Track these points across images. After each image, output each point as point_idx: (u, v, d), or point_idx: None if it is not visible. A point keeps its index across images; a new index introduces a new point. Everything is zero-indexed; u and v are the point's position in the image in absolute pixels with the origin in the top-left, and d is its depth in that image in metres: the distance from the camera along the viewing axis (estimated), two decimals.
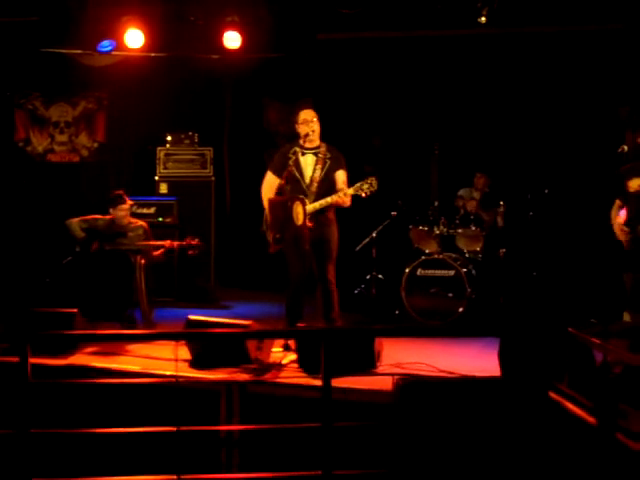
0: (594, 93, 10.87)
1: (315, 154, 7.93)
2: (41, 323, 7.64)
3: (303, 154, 7.95)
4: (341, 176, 7.87)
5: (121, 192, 9.26)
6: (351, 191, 7.63)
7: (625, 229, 7.32)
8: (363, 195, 7.60)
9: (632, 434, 4.13)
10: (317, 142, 7.97)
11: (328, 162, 7.88)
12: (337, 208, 7.90)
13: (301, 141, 7.95)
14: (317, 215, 7.76)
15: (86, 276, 8.88)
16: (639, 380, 5.29)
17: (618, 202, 7.48)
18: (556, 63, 11.08)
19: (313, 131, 7.91)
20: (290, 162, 7.88)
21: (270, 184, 8.01)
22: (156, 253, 8.98)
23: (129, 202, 9.23)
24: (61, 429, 5.53)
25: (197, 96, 12.31)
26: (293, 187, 7.89)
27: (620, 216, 7.44)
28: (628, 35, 10.45)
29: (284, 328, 7.94)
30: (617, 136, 9.88)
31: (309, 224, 7.70)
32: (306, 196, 7.77)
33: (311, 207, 7.72)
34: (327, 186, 7.82)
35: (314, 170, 7.87)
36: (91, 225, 9.13)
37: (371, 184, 7.55)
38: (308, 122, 7.90)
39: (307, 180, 7.87)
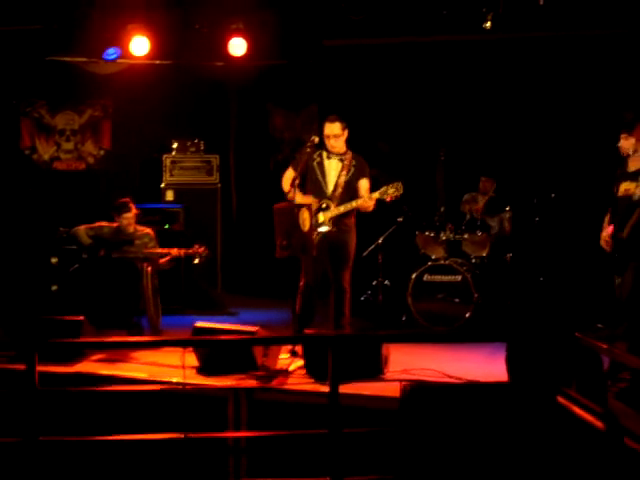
0: (599, 98, 10.86)
1: (341, 160, 7.98)
2: (48, 331, 7.64)
3: (329, 157, 8.00)
4: (364, 184, 7.92)
5: (127, 200, 9.23)
6: (377, 195, 7.69)
7: (609, 240, 7.34)
8: (388, 199, 7.65)
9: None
10: (343, 149, 8.02)
11: (353, 169, 7.93)
12: (358, 215, 7.96)
13: (328, 146, 8.00)
14: (339, 220, 7.82)
15: (93, 284, 8.89)
16: None
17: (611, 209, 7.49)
18: (561, 68, 11.07)
19: (333, 147, 7.96)
20: (314, 164, 7.96)
21: (289, 180, 8.04)
22: (162, 261, 8.98)
23: (134, 210, 9.21)
24: (69, 437, 5.53)
25: (202, 103, 12.32)
26: (314, 189, 7.95)
27: (608, 229, 7.44)
28: (633, 40, 10.45)
29: (291, 334, 7.94)
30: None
31: (333, 228, 7.76)
32: (330, 200, 7.83)
33: (335, 211, 7.78)
34: (350, 193, 7.86)
35: (339, 175, 7.92)
36: (97, 233, 9.13)
37: (397, 188, 7.60)
38: (329, 138, 7.95)
39: (331, 185, 7.92)
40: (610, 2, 10.21)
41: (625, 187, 7.18)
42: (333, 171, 7.96)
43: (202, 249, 8.98)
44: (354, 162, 7.96)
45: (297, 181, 7.88)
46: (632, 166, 7.20)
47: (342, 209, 7.77)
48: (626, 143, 7.22)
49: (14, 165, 12.16)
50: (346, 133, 7.99)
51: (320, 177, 7.97)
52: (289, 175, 8.04)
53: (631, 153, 7.17)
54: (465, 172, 11.15)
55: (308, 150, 7.99)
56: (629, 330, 7.04)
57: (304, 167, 7.98)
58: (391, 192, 7.61)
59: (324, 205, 7.83)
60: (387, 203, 7.78)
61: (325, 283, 7.98)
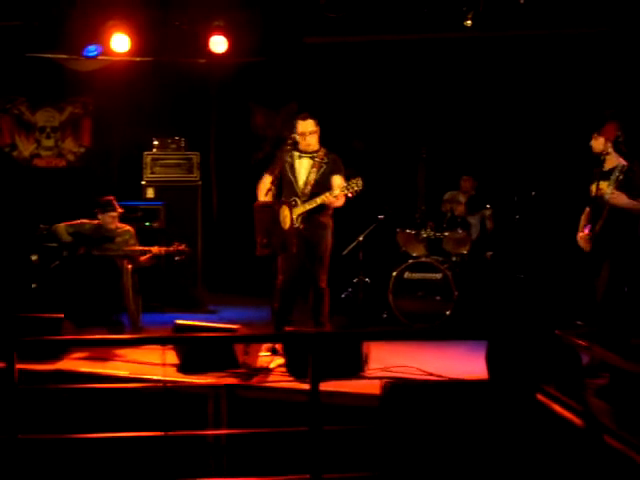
0: (580, 96, 10.89)
1: (312, 158, 8.01)
2: (28, 328, 7.61)
3: (300, 157, 8.04)
4: (337, 180, 7.93)
5: (112, 198, 9.19)
6: (337, 191, 7.70)
7: (586, 241, 7.42)
8: (349, 194, 7.67)
9: (619, 436, 4.14)
10: (316, 147, 8.06)
11: (324, 166, 7.97)
12: (338, 213, 7.99)
13: (300, 145, 8.03)
14: (310, 217, 7.86)
15: (73, 281, 8.85)
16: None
17: (588, 209, 7.55)
18: (541, 66, 11.11)
19: (308, 144, 7.99)
20: (286, 165, 8.01)
21: (264, 188, 8.04)
22: (143, 258, 8.96)
23: (119, 210, 9.18)
24: (49, 435, 5.51)
25: (183, 100, 12.27)
26: (286, 189, 8.02)
27: (585, 230, 7.50)
28: (613, 38, 10.49)
29: (272, 332, 7.94)
30: None
31: (300, 225, 7.79)
32: (299, 198, 7.88)
33: (302, 208, 7.82)
34: (321, 190, 7.87)
35: (309, 173, 7.96)
36: (77, 230, 9.09)
37: (356, 184, 7.64)
38: (305, 135, 7.98)
39: (301, 183, 7.97)
40: (590, 1, 10.25)
41: (600, 186, 7.25)
42: (304, 169, 8.01)
43: (183, 247, 8.97)
44: (326, 159, 8.00)
45: (273, 185, 7.92)
46: (607, 165, 7.27)
47: (307, 206, 7.82)
48: (596, 143, 7.30)
49: None
50: (319, 129, 8.03)
51: (292, 177, 8.02)
52: (264, 183, 8.05)
53: (610, 152, 7.23)
54: (446, 170, 11.18)
55: (288, 148, 8.02)
56: (601, 328, 7.10)
57: (279, 170, 8.03)
58: (350, 188, 7.66)
59: (293, 202, 7.88)
60: (350, 198, 7.78)
61: (305, 280, 8.00)
